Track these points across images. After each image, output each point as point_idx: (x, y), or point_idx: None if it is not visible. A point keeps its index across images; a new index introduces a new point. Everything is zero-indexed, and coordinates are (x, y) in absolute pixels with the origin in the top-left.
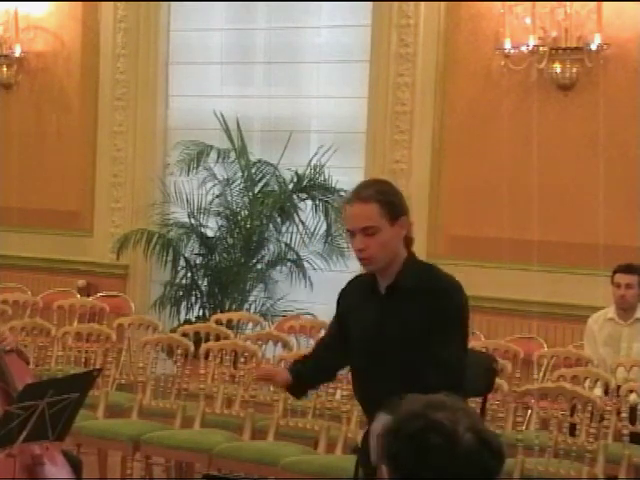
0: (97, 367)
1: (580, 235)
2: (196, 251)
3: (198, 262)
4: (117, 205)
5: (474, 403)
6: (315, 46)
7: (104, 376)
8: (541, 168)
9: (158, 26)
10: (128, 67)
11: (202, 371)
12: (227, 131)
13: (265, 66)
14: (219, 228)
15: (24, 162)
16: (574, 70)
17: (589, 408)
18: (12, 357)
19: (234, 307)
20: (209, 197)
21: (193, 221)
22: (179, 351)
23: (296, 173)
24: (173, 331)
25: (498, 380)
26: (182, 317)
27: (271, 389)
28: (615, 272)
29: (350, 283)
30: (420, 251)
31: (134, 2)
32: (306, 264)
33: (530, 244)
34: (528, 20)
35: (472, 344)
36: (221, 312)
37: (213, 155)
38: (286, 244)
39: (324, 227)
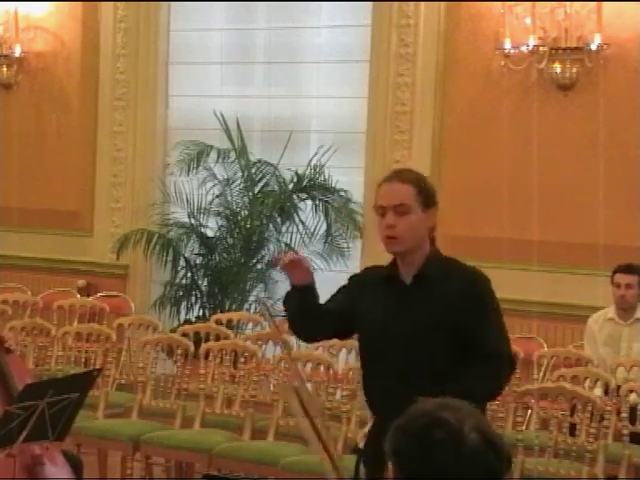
0: (97, 367)
1: (580, 235)
2: (196, 251)
3: (198, 262)
4: (117, 205)
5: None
6: (315, 46)
7: (104, 376)
8: (541, 168)
9: (158, 26)
10: (128, 67)
11: (202, 371)
12: (227, 131)
13: (265, 66)
14: (219, 228)
15: (24, 162)
16: (574, 70)
17: (589, 408)
18: (12, 357)
19: (234, 307)
20: (209, 197)
21: (193, 221)
22: (179, 351)
23: (296, 173)
24: (173, 331)
25: None
26: (182, 317)
27: (271, 389)
28: (615, 272)
29: (365, 272)
30: None
31: (134, 2)
32: None
33: (530, 244)
34: (528, 20)
35: None
36: (221, 312)
37: (213, 155)
38: (286, 244)
39: (324, 227)
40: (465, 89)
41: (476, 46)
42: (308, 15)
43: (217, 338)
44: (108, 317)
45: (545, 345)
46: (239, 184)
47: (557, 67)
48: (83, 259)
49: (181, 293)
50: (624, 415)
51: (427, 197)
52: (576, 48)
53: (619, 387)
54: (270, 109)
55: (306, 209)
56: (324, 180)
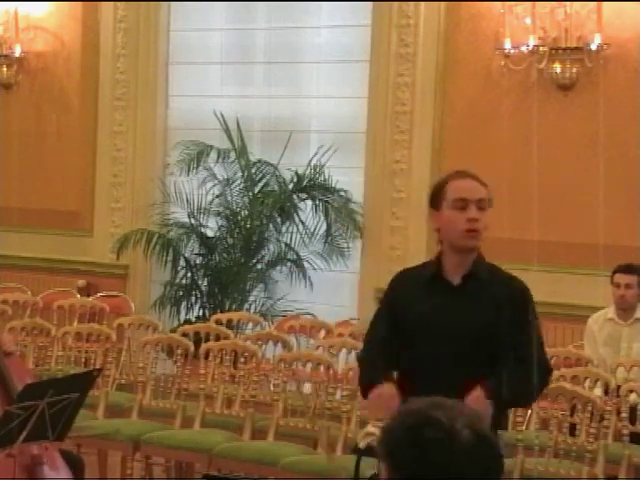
0: (97, 367)
1: (580, 235)
2: (196, 251)
3: (198, 262)
4: (117, 205)
5: None
6: (315, 46)
7: (104, 376)
8: (541, 168)
9: (158, 26)
10: (128, 67)
11: (202, 371)
12: (227, 131)
13: (265, 66)
14: (219, 228)
15: (24, 162)
16: (574, 70)
17: (589, 408)
18: (12, 359)
19: (234, 307)
20: (209, 197)
21: (193, 221)
22: (179, 351)
23: (296, 173)
24: (173, 331)
25: None
26: (182, 317)
27: (271, 389)
28: (615, 272)
29: (401, 277)
30: (420, 251)
31: (134, 2)
32: (306, 264)
33: (530, 244)
34: (528, 20)
35: None
36: (221, 312)
37: (213, 155)
38: (286, 244)
39: (324, 227)
40: (465, 89)
41: (476, 46)
42: (308, 15)
43: (217, 338)
44: (108, 317)
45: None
46: (239, 184)
47: (557, 67)
48: (83, 259)
49: (181, 293)
50: (624, 415)
51: (490, 198)
52: (576, 48)
53: (619, 387)
54: (270, 109)
55: (306, 209)
56: (324, 180)
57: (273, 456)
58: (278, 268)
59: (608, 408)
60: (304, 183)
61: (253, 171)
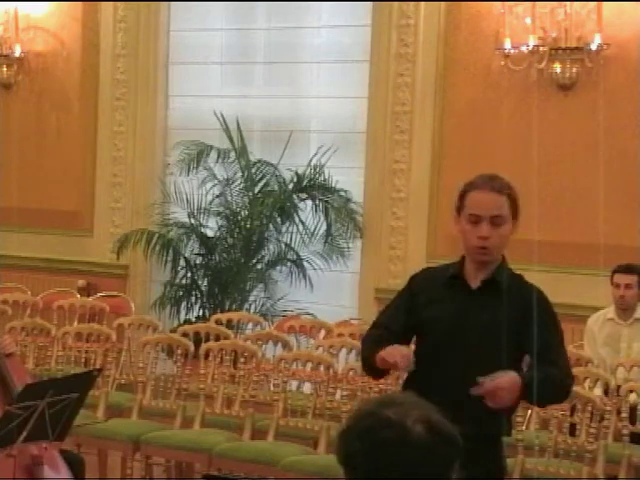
0: (97, 367)
1: (580, 235)
2: (196, 251)
3: (198, 262)
4: (117, 205)
5: None
6: (315, 46)
7: (104, 376)
8: (541, 168)
9: (158, 26)
10: (128, 67)
11: (202, 371)
12: (227, 131)
13: (265, 66)
14: (219, 228)
15: (24, 162)
16: (574, 70)
17: (589, 408)
18: (13, 360)
19: (234, 307)
20: (209, 197)
21: (193, 221)
22: (179, 351)
23: (296, 173)
24: (173, 331)
25: None
26: (182, 317)
27: (271, 389)
28: (614, 272)
29: (423, 274)
30: (420, 251)
31: (134, 2)
32: (306, 264)
33: (530, 244)
34: (528, 20)
35: None
36: (221, 312)
37: (213, 155)
38: (286, 244)
39: (324, 227)
40: (465, 89)
41: (476, 46)
42: (308, 15)
43: (217, 338)
44: (108, 317)
45: None
46: (239, 184)
47: (557, 67)
48: (83, 259)
49: (181, 293)
50: (624, 415)
51: (516, 206)
52: (576, 48)
53: (619, 387)
54: (270, 109)
55: (306, 209)
56: (324, 180)
57: (273, 456)
58: (278, 268)
59: (608, 408)
60: (304, 183)
61: (253, 171)
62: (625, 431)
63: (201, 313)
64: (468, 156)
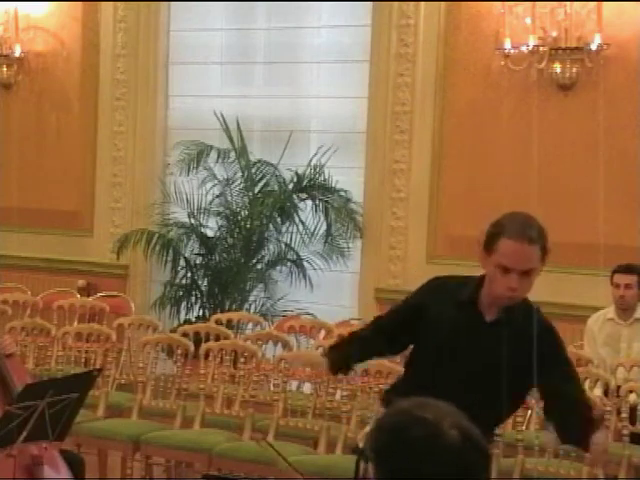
0: (97, 367)
1: (580, 235)
2: (196, 251)
3: (198, 262)
4: (117, 205)
5: None
6: (315, 46)
7: (104, 376)
8: (541, 168)
9: (158, 26)
10: (128, 67)
11: (202, 371)
12: (227, 131)
13: (265, 66)
14: (219, 228)
15: (24, 162)
16: (574, 70)
17: None
18: (12, 360)
19: (234, 307)
20: (209, 197)
21: (193, 221)
22: (179, 351)
23: (296, 173)
24: (173, 331)
25: None
26: (182, 317)
27: (271, 389)
28: (614, 272)
29: (438, 286)
30: (420, 251)
31: (134, 2)
32: (306, 264)
33: None
34: (528, 20)
35: None
36: (221, 312)
37: (213, 155)
38: (286, 244)
39: (324, 227)
40: (465, 89)
41: (476, 46)
42: (308, 15)
43: (217, 338)
44: (108, 317)
45: None
46: (239, 184)
47: (557, 67)
48: (83, 259)
49: (181, 293)
50: (624, 415)
51: (546, 253)
52: (576, 48)
53: (619, 387)
54: (270, 109)
55: (306, 209)
56: (324, 180)
57: (273, 456)
58: (278, 268)
59: (608, 408)
60: (304, 183)
61: (253, 171)
62: (625, 431)
63: (201, 313)
64: (468, 156)
